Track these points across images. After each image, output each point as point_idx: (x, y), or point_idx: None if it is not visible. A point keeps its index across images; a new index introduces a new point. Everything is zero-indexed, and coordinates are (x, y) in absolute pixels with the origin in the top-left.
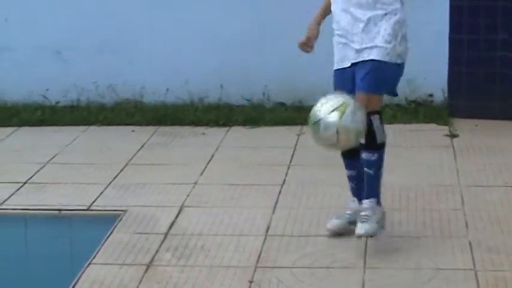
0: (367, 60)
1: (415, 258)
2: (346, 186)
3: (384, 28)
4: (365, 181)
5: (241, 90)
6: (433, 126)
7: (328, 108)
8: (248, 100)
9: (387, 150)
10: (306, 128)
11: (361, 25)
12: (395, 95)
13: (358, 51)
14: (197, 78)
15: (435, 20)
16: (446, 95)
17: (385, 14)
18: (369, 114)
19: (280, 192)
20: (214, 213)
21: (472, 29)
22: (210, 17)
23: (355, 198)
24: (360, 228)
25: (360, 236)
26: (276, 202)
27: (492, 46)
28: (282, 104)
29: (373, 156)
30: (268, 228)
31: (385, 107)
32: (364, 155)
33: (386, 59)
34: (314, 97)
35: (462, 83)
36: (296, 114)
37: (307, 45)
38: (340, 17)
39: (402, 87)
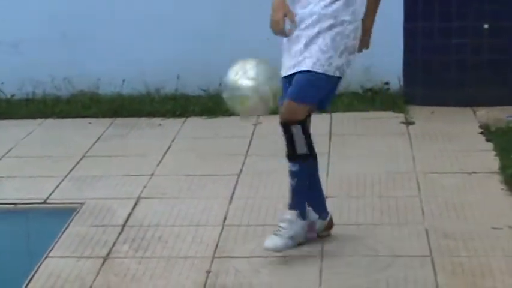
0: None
1: (372, 246)
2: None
3: (323, 38)
4: (289, 191)
5: (198, 80)
6: (389, 114)
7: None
8: (205, 90)
9: (343, 138)
10: (262, 118)
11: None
12: (324, 109)
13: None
14: (153, 69)
15: (390, 8)
16: (402, 83)
17: (331, 25)
18: (290, 123)
19: (237, 182)
20: (171, 204)
21: (426, 17)
22: (167, 7)
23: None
24: (270, 241)
25: (267, 249)
26: (233, 192)
27: (447, 34)
28: None
29: (294, 167)
30: (225, 218)
31: (341, 96)
32: (288, 165)
33: (319, 69)
34: None
35: (418, 70)
36: None
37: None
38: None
39: (358, 75)
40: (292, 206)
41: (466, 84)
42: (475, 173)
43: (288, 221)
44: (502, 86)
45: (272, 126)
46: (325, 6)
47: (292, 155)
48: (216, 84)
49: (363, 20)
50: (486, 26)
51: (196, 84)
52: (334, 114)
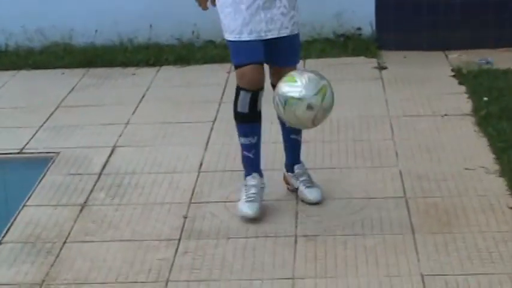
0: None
1: (346, 189)
2: (275, 122)
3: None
4: (293, 148)
5: (171, 29)
6: (361, 59)
7: (312, 89)
8: (178, 39)
9: None
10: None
11: None
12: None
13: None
14: (126, 19)
15: None
16: (374, 28)
17: None
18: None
19: (212, 129)
20: (146, 152)
21: None
22: None
23: (255, 174)
24: (316, 194)
25: (317, 202)
26: (208, 139)
27: None
28: (212, 42)
29: None
30: (201, 164)
31: (313, 42)
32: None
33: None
34: None
35: (389, 15)
36: (226, 52)
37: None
38: None
39: (330, 21)
40: (300, 159)
41: (438, 28)
42: (447, 115)
43: (307, 172)
44: (474, 29)
45: None
46: None
47: None
48: (189, 32)
49: None
50: None
51: (169, 34)
52: (307, 61)
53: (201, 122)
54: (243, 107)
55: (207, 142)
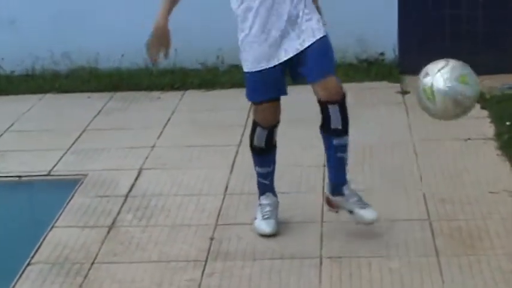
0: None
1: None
2: (304, 143)
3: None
4: (340, 167)
5: (195, 54)
6: (384, 84)
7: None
8: (202, 63)
9: None
10: None
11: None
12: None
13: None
14: None
15: None
16: (397, 53)
17: None
18: (344, 96)
19: (237, 152)
20: (173, 175)
21: None
22: None
23: (269, 193)
24: (372, 213)
25: (371, 222)
26: (234, 162)
27: (441, 3)
28: (236, 67)
29: (347, 140)
30: (226, 187)
31: (336, 67)
32: (336, 141)
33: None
34: None
35: (412, 40)
36: None
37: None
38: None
39: (353, 46)
40: (346, 179)
41: (460, 53)
42: (470, 139)
43: (356, 192)
44: (496, 54)
45: None
46: None
47: (346, 129)
48: (214, 57)
49: None
50: None
51: (194, 58)
52: None
53: (227, 146)
54: (260, 142)
55: (233, 165)
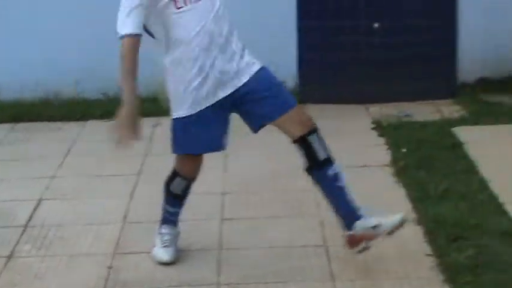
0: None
1: (268, 238)
2: (203, 172)
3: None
4: (344, 197)
5: (97, 84)
6: None
7: None
8: (104, 94)
9: (239, 137)
10: (162, 119)
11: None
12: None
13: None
14: (53, 74)
15: (283, 7)
16: (297, 81)
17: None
18: (316, 127)
19: (137, 181)
20: (72, 205)
21: (319, 15)
22: (65, 9)
23: (172, 225)
24: (397, 216)
25: (405, 221)
26: (133, 191)
27: (340, 32)
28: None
29: (336, 167)
30: (125, 216)
31: None
32: (330, 171)
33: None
34: None
35: (312, 70)
36: (152, 106)
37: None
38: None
39: None
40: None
41: (359, 82)
42: (366, 166)
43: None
44: (394, 83)
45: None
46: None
47: (329, 158)
48: (116, 87)
49: None
50: (376, 24)
51: (96, 88)
52: (232, 115)
53: (126, 175)
54: (177, 190)
55: (132, 194)
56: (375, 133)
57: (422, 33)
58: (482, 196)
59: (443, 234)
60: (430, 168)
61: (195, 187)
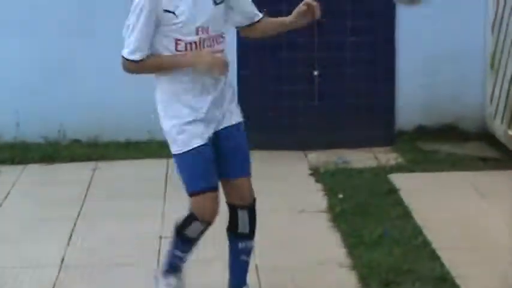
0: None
1: (204, 283)
2: (139, 216)
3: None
4: (242, 270)
5: (37, 128)
6: None
7: None
8: (44, 137)
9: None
10: (101, 163)
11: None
12: None
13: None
14: None
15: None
16: None
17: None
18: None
19: (75, 225)
20: (10, 248)
21: (259, 65)
22: (4, 53)
23: (180, 274)
24: None
25: None
26: (71, 235)
27: (279, 80)
28: (77, 141)
29: (253, 243)
30: (63, 259)
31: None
32: (241, 245)
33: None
34: (110, 134)
35: (252, 116)
36: (91, 150)
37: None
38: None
39: None
40: (246, 282)
41: (298, 129)
42: (304, 211)
43: None
44: (333, 130)
45: (109, 172)
46: None
47: (253, 233)
48: (56, 131)
49: None
50: (316, 72)
51: (36, 132)
52: (170, 160)
53: (65, 219)
54: (193, 234)
55: (70, 238)
56: (312, 179)
57: (363, 81)
58: (416, 242)
59: (376, 280)
60: (366, 214)
61: (129, 232)
